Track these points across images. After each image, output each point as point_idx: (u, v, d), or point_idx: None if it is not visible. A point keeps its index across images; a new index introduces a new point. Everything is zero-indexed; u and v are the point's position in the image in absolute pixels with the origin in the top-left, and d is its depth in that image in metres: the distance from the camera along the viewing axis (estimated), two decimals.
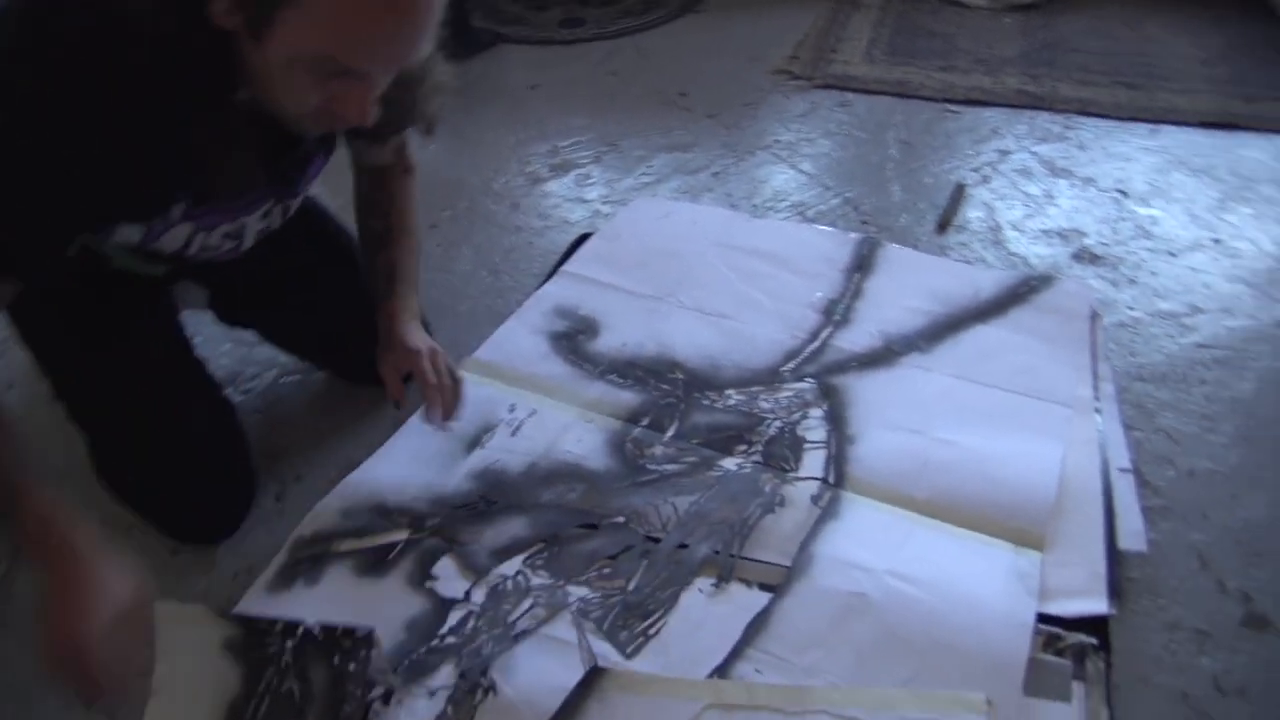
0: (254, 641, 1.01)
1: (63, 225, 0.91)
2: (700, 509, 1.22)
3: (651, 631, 1.08)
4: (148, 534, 1.24)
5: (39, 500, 0.86)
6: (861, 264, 1.67)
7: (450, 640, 1.09)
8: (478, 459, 1.31)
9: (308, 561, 1.18)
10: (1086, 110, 2.20)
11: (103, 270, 1.14)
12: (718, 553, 1.16)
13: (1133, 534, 1.17)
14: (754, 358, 1.48)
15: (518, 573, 1.16)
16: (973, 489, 1.22)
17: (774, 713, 0.99)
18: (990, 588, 1.09)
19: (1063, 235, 1.77)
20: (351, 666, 1.00)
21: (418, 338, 1.29)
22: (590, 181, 1.99)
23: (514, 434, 1.35)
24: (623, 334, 1.53)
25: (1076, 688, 1.00)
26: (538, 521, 1.22)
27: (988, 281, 1.62)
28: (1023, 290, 1.58)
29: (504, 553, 1.18)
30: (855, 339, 1.51)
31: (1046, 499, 1.20)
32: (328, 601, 1.14)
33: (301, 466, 1.36)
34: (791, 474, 1.26)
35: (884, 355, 1.47)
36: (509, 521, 1.22)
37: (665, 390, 1.42)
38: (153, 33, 0.81)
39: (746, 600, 1.11)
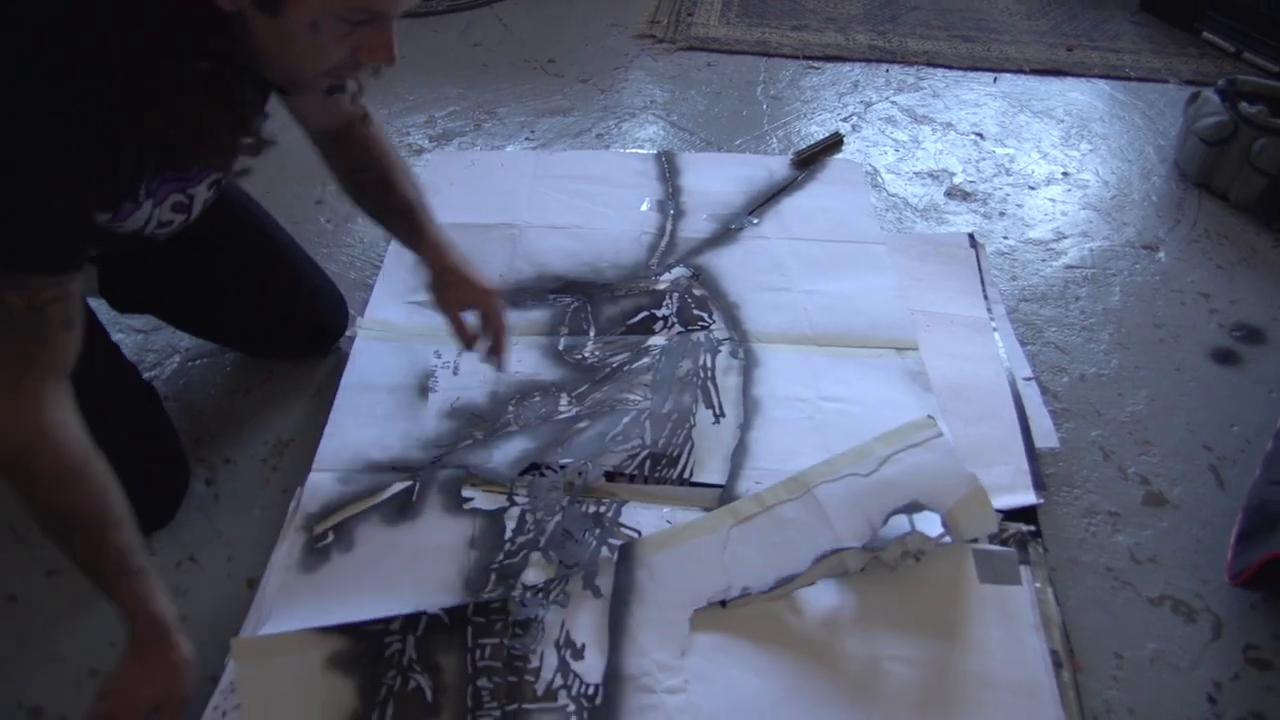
0: (366, 648, 0.99)
1: (83, 208, 0.87)
2: (664, 373, 1.37)
3: (687, 475, 1.22)
4: None
5: (140, 583, 0.91)
6: (668, 171, 1.84)
7: (521, 539, 1.13)
8: (438, 401, 1.33)
9: (330, 532, 1.16)
10: (933, 62, 2.35)
11: None
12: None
13: (1045, 433, 1.29)
14: (624, 255, 1.61)
15: (544, 466, 1.21)
16: (846, 320, 1.47)
17: (784, 504, 1.13)
18: (895, 388, 1.35)
19: (934, 176, 1.89)
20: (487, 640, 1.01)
21: (480, 273, 1.23)
22: (474, 148, 1.97)
23: (456, 373, 1.37)
24: (495, 267, 1.58)
25: (1024, 572, 1.10)
26: (537, 435, 1.27)
27: (775, 165, 1.88)
28: (810, 168, 1.87)
29: (520, 464, 1.22)
30: (696, 227, 1.69)
31: (903, 313, 1.47)
32: (373, 556, 1.13)
33: (228, 449, 1.31)
34: (713, 328, 1.45)
35: (725, 234, 1.67)
36: (511, 442, 1.26)
37: (566, 300, 1.51)
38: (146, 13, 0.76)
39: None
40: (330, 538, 1.15)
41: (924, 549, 1.08)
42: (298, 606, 1.07)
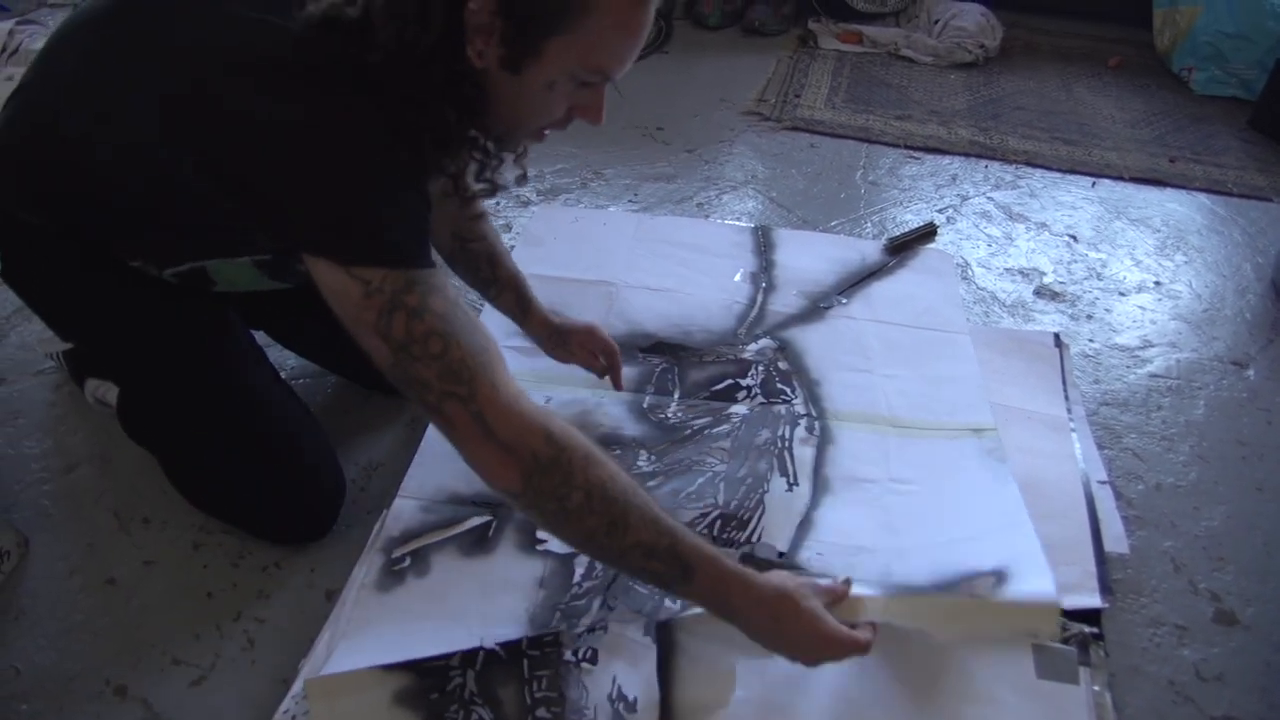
0: (430, 684, 1.03)
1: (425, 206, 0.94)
2: (743, 440, 1.40)
3: (755, 537, 1.25)
4: (213, 548, 1.26)
5: (716, 561, 0.93)
6: (764, 244, 1.90)
7: (588, 584, 1.17)
8: None
9: (408, 556, 1.21)
10: (1033, 162, 2.38)
11: (189, 291, 1.18)
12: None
13: (1115, 537, 1.29)
14: (714, 321, 1.67)
15: None
16: (925, 405, 1.49)
17: None
18: (970, 465, 1.37)
19: (1024, 274, 1.91)
20: (543, 672, 1.05)
21: (579, 322, 1.42)
22: (579, 206, 2.06)
23: None
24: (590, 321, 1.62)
25: (1083, 673, 1.10)
26: None
27: (868, 249, 1.93)
28: (902, 255, 1.92)
29: None
30: (785, 301, 1.74)
31: (982, 401, 1.49)
32: (446, 585, 1.18)
33: None
34: (795, 402, 1.49)
35: (813, 311, 1.72)
36: None
37: (655, 361, 1.56)
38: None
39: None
40: (407, 562, 1.21)
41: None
42: (369, 623, 1.13)
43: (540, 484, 0.86)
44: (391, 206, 0.88)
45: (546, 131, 0.99)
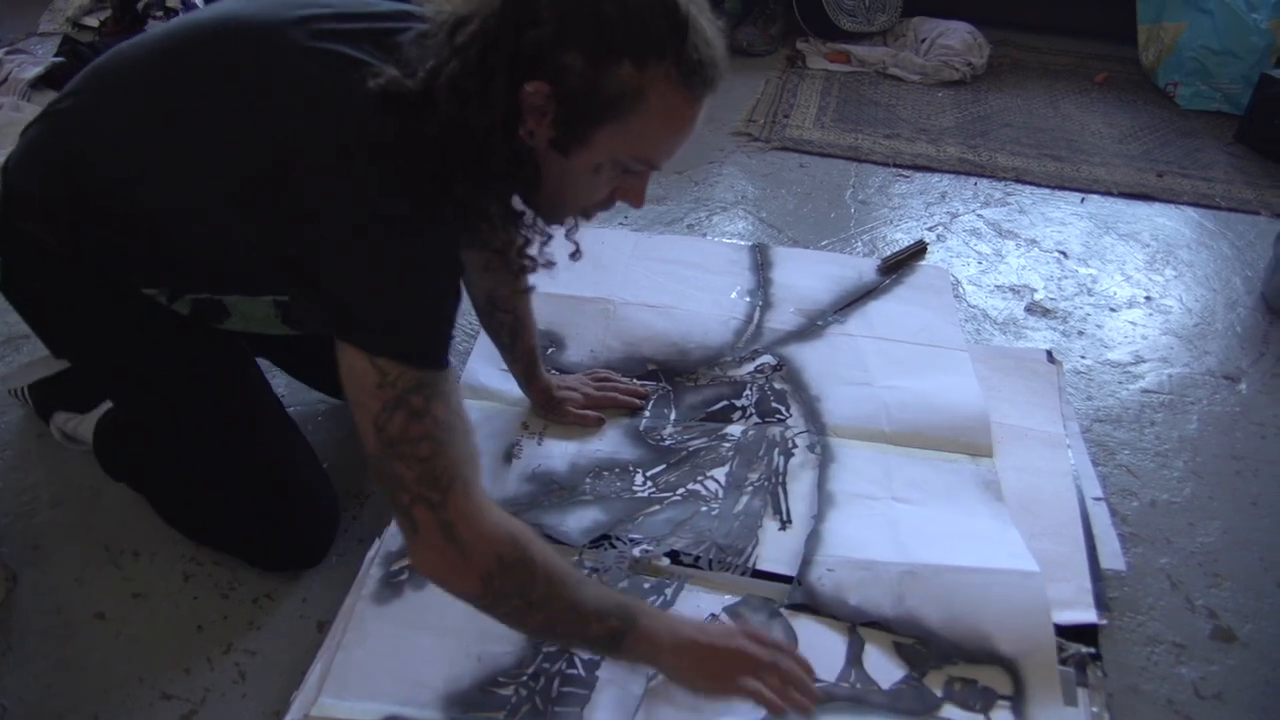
0: None
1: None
2: (736, 474, 1.39)
3: (750, 564, 1.24)
4: (203, 579, 1.25)
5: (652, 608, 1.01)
6: (761, 262, 1.91)
7: None
8: (520, 468, 1.38)
9: (406, 569, 1.21)
10: (1022, 179, 2.39)
11: (201, 322, 1.17)
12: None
13: (1112, 554, 1.29)
14: (710, 337, 1.67)
15: (615, 538, 1.26)
16: (924, 420, 1.49)
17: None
18: (966, 495, 1.36)
19: (1015, 290, 1.91)
20: None
21: (570, 384, 1.49)
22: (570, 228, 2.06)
23: (540, 444, 1.43)
24: (587, 343, 1.65)
25: (1081, 694, 1.09)
26: (610, 509, 1.31)
27: (865, 267, 1.92)
28: (898, 273, 1.93)
29: (591, 532, 1.27)
30: (782, 319, 1.74)
31: (983, 418, 1.48)
32: (442, 598, 1.14)
33: None
34: (790, 421, 1.49)
35: (811, 329, 1.72)
36: (585, 511, 1.31)
37: (651, 386, 1.56)
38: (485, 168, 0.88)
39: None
40: (406, 575, 1.21)
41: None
42: (367, 636, 1.13)
43: (501, 585, 0.90)
44: (429, 311, 0.89)
45: (594, 211, 1.02)
